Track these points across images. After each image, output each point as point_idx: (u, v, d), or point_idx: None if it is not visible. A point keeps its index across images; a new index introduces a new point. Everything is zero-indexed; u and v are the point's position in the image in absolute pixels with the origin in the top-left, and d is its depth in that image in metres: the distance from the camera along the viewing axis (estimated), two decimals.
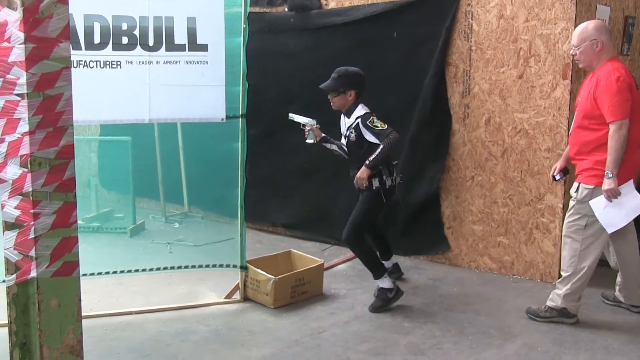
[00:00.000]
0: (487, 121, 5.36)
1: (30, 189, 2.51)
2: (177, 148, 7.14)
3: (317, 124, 4.84)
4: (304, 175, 6.46)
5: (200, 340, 4.09)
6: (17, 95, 2.51)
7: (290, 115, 4.92)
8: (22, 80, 2.49)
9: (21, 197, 2.54)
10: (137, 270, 4.81)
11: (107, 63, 4.35)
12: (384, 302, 4.64)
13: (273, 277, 4.61)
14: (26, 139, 2.50)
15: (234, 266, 4.80)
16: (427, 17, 5.59)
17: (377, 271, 4.69)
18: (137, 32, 4.37)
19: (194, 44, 4.50)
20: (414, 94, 5.68)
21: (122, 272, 4.79)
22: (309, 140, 4.86)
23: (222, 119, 4.59)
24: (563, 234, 4.36)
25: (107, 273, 4.69)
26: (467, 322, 4.43)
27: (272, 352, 3.94)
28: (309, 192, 6.46)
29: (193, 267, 4.95)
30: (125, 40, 4.36)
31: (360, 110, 4.63)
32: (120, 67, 4.38)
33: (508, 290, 5.06)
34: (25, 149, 2.51)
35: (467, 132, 5.48)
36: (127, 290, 4.91)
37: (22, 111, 2.50)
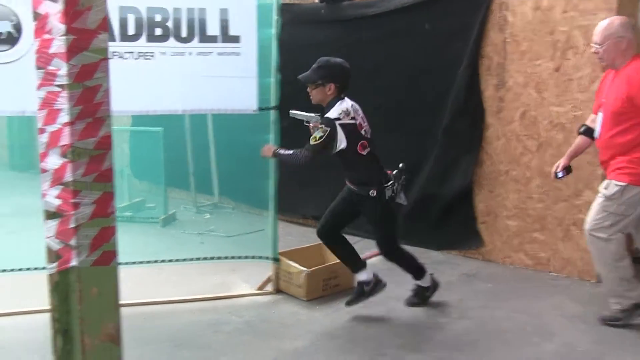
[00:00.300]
0: (522, 115, 5.29)
1: (71, 179, 2.53)
2: (207, 139, 7.17)
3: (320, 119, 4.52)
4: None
5: (233, 331, 4.10)
6: (58, 86, 2.53)
7: (292, 112, 4.56)
8: (63, 71, 2.50)
9: (62, 186, 2.56)
10: (170, 260, 4.84)
11: (141, 54, 4.38)
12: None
13: (306, 269, 4.61)
14: (66, 129, 2.52)
15: (266, 258, 4.80)
16: (460, 9, 5.53)
17: (419, 272, 4.52)
18: (170, 24, 4.39)
19: (226, 36, 4.51)
20: (447, 85, 5.64)
21: (155, 261, 4.82)
22: None
23: (254, 111, 4.59)
24: (587, 232, 4.16)
25: (142, 262, 4.72)
26: (503, 319, 4.37)
27: (305, 344, 3.94)
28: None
29: (225, 258, 4.98)
30: (158, 31, 4.40)
31: (336, 110, 4.15)
32: (154, 59, 4.41)
33: (545, 287, 4.99)
34: (65, 140, 2.53)
35: (502, 125, 5.42)
36: (160, 280, 4.94)
37: (63, 102, 2.52)
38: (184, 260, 4.89)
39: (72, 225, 2.55)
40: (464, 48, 5.49)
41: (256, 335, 4.06)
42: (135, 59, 4.35)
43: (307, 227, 6.63)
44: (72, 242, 2.55)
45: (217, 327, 4.15)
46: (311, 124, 4.47)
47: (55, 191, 2.58)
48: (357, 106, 4.32)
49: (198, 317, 4.31)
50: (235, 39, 4.52)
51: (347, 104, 4.23)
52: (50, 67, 2.55)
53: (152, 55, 4.39)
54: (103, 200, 2.62)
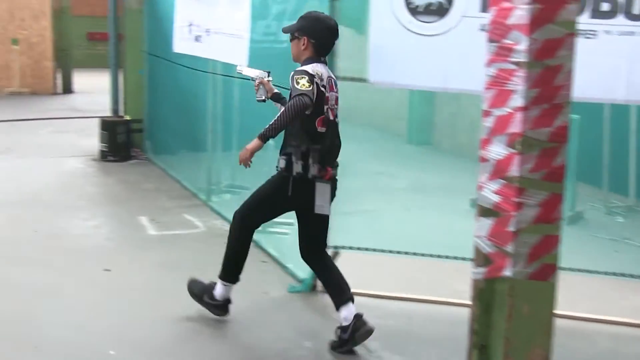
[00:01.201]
0: None
1: (517, 174, 2.16)
2: (628, 132, 6.32)
3: (269, 75, 3.86)
4: None
5: None
6: (513, 63, 2.16)
7: (239, 68, 4.06)
8: (522, 46, 2.13)
9: (504, 181, 2.20)
10: (588, 271, 4.24)
11: (582, 32, 3.84)
12: (199, 298, 3.74)
13: None
14: (518, 115, 2.15)
15: None
16: None
17: (228, 273, 3.68)
18: None
19: None
20: None
21: (568, 269, 4.25)
22: (259, 97, 3.87)
23: None
24: None
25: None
26: None
27: None
28: None
29: None
30: (605, 6, 3.81)
31: (310, 67, 3.42)
32: (596, 38, 3.84)
33: None
34: (515, 127, 2.16)
35: None
36: (567, 290, 4.34)
37: (517, 82, 2.15)
38: (597, 273, 4.24)
39: (511, 228, 2.18)
40: None
41: None
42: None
43: None
44: (509, 248, 2.19)
45: None
46: (257, 81, 3.85)
47: (495, 185, 2.24)
48: (334, 80, 3.61)
49: (620, 345, 3.66)
50: None
51: (321, 67, 3.49)
52: (505, 41, 2.19)
53: (594, 34, 3.83)
54: (550, 203, 2.20)
